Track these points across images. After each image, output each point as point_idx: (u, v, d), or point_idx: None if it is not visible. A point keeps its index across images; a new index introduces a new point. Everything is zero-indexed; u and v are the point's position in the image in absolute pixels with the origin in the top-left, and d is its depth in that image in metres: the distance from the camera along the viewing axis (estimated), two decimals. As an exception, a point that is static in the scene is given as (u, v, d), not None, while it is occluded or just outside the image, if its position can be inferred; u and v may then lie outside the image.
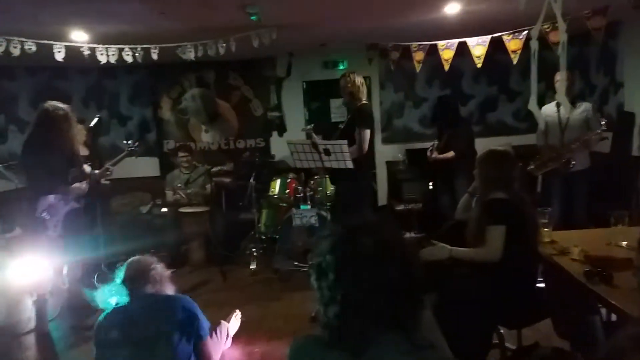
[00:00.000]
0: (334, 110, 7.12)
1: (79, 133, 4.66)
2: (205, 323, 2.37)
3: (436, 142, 5.40)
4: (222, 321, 3.05)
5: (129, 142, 4.65)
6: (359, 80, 4.46)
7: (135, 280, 2.25)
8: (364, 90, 4.48)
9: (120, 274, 2.30)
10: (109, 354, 2.16)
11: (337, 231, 1.23)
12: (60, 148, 3.86)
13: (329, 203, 5.15)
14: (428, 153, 5.33)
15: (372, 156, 6.35)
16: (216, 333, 2.86)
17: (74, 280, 4.45)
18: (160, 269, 2.37)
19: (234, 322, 3.34)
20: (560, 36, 3.35)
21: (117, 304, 2.26)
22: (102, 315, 2.25)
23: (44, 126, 3.81)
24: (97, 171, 4.21)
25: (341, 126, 4.63)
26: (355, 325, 1.14)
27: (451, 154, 5.22)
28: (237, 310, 3.45)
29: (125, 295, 2.26)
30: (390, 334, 1.14)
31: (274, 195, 5.54)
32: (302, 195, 5.33)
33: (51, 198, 3.80)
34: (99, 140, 6.58)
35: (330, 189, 5.15)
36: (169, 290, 2.39)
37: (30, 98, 6.44)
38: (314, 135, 4.39)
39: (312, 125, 4.70)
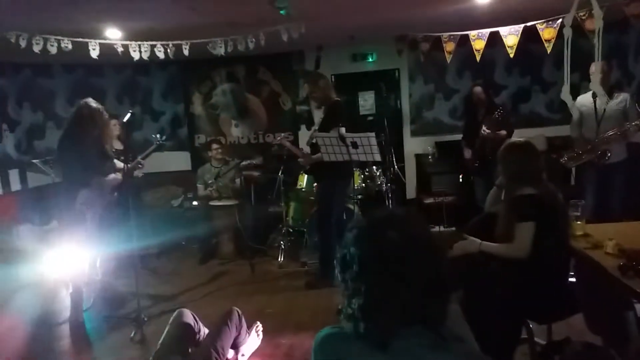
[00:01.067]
0: (363, 103, 7.09)
1: (113, 129, 4.80)
2: None
3: (484, 127, 5.19)
4: (233, 307, 3.10)
5: (158, 135, 4.74)
6: (322, 82, 4.60)
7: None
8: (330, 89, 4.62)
9: None
10: None
11: (362, 223, 1.22)
12: (95, 143, 3.98)
13: (359, 196, 5.14)
14: (482, 132, 5.08)
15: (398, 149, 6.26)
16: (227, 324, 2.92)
17: (107, 272, 4.60)
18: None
19: (254, 336, 3.33)
20: (596, 23, 3.25)
21: None
22: None
23: (79, 123, 3.93)
24: (129, 165, 4.32)
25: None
26: (379, 318, 1.13)
27: (504, 133, 5.06)
28: (259, 323, 3.45)
29: None
30: (415, 327, 1.13)
31: (302, 188, 5.56)
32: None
33: (89, 191, 3.92)
34: (133, 135, 6.74)
35: (358, 181, 5.13)
36: None
37: (67, 95, 6.64)
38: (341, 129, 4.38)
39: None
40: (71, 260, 4.05)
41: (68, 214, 3.95)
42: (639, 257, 2.21)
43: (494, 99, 5.76)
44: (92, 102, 4.01)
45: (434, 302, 1.16)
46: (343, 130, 4.30)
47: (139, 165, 4.44)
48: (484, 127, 5.00)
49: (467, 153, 5.31)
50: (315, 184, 5.20)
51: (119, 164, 4.25)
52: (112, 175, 4.13)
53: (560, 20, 4.13)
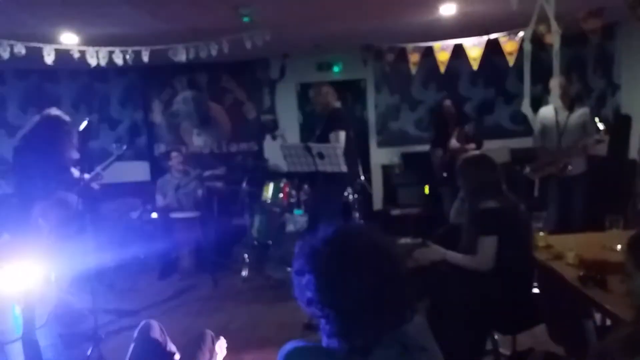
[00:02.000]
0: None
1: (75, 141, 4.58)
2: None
3: (453, 139, 5.21)
4: (207, 330, 2.93)
5: (118, 144, 4.56)
6: (324, 90, 4.64)
7: None
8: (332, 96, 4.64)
9: None
10: None
11: (314, 242, 1.22)
12: (58, 154, 3.82)
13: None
14: (451, 145, 5.12)
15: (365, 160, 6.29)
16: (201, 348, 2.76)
17: (62, 288, 4.38)
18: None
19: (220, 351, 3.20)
20: (553, 39, 3.31)
21: None
22: None
23: (46, 131, 3.77)
24: (87, 175, 4.16)
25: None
26: (343, 330, 1.15)
27: (472, 145, 5.10)
28: (222, 338, 3.31)
29: None
30: (384, 339, 1.14)
31: (267, 200, 5.46)
32: (296, 200, 5.26)
33: (47, 203, 3.75)
34: (89, 144, 6.50)
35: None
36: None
37: (20, 102, 6.40)
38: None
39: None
40: (23, 276, 3.84)
41: (22, 226, 3.77)
42: (598, 267, 2.25)
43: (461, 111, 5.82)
44: (58, 112, 3.87)
45: (396, 312, 1.18)
46: (342, 135, 4.36)
47: (99, 177, 4.26)
48: (453, 140, 5.05)
49: (437, 157, 5.33)
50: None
51: (76, 173, 4.08)
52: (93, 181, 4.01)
53: (521, 33, 4.20)
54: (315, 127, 4.79)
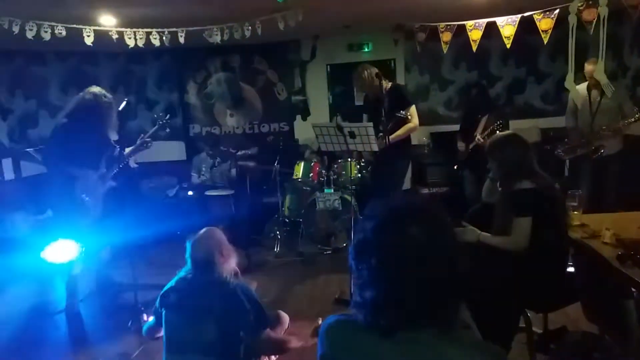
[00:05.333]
0: (359, 94, 7.07)
1: (116, 120, 4.65)
2: (263, 317, 2.34)
3: (478, 135, 5.17)
4: (280, 311, 2.98)
5: (161, 114, 4.64)
6: (371, 72, 4.62)
7: (203, 259, 2.29)
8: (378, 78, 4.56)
9: (189, 247, 2.33)
10: (168, 316, 2.27)
11: (385, 212, 1.16)
12: (100, 132, 3.92)
13: (352, 186, 5.15)
14: (477, 139, 5.09)
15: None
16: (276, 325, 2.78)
17: (103, 262, 4.58)
18: (227, 246, 2.41)
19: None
20: (601, 10, 3.24)
21: (185, 275, 2.31)
22: (173, 280, 2.33)
23: (88, 108, 3.85)
24: (127, 149, 4.25)
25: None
26: (392, 311, 1.11)
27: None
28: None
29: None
30: (428, 321, 1.11)
31: (298, 179, 5.55)
32: (325, 178, 5.33)
33: (91, 180, 3.87)
34: (127, 124, 6.68)
35: (354, 172, 5.14)
36: (233, 262, 2.42)
37: (61, 83, 6.56)
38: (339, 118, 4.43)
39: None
40: (66, 250, 4.02)
41: (67, 202, 3.90)
42: (636, 246, 2.24)
43: (490, 90, 5.79)
44: (102, 91, 3.94)
45: (451, 302, 1.14)
46: (414, 109, 4.53)
47: (148, 142, 4.32)
48: (478, 136, 5.01)
49: (461, 146, 5.33)
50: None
51: (126, 150, 4.22)
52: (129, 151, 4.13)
53: (557, 10, 4.13)
54: (352, 108, 4.79)
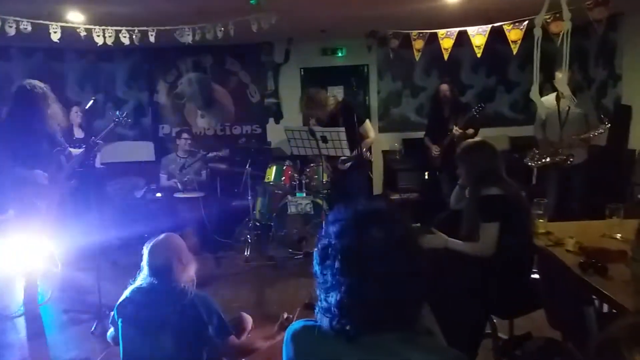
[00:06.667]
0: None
1: (59, 112, 4.39)
2: (224, 327, 2.27)
3: (454, 126, 5.25)
4: (242, 313, 2.92)
5: (117, 112, 4.38)
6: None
7: (161, 266, 2.21)
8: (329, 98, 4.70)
9: (146, 253, 2.26)
10: (124, 329, 2.19)
11: (347, 216, 1.18)
12: (39, 129, 3.69)
13: (325, 191, 5.14)
14: (454, 132, 5.15)
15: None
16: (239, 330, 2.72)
17: (67, 264, 4.44)
18: (186, 253, 2.33)
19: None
20: (565, 24, 3.32)
21: (141, 284, 2.22)
22: (130, 289, 2.24)
23: (22, 104, 3.64)
24: (74, 150, 4.01)
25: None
26: (356, 314, 1.12)
27: (471, 131, 5.13)
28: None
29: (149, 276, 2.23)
30: (391, 322, 1.12)
31: (270, 182, 5.51)
32: (297, 182, 5.31)
33: (41, 182, 3.70)
34: (95, 123, 6.52)
35: (326, 176, 5.13)
36: (192, 271, 2.35)
37: (25, 79, 6.35)
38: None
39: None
40: (26, 252, 3.88)
41: (19, 204, 3.76)
42: (597, 254, 2.30)
43: (460, 97, 5.86)
44: (35, 82, 3.71)
45: (413, 302, 1.16)
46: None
47: (97, 143, 4.10)
48: (455, 127, 5.08)
49: (435, 150, 5.38)
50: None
51: (75, 151, 4.02)
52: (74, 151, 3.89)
53: (526, 22, 4.22)
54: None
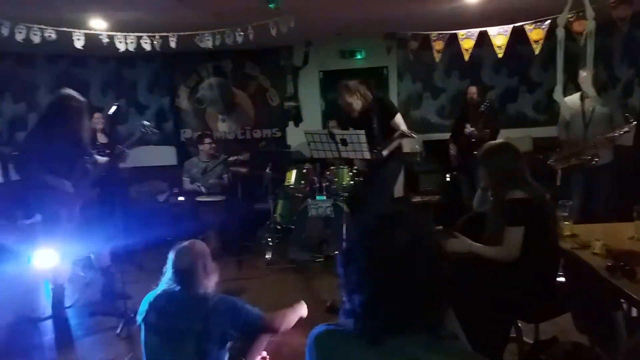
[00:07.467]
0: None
1: (93, 123, 4.45)
2: (252, 317, 2.30)
3: (468, 125, 5.22)
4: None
5: (145, 122, 4.46)
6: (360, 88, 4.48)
7: (185, 271, 2.24)
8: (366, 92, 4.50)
9: (171, 257, 2.28)
10: (147, 336, 2.21)
11: (371, 219, 1.21)
12: (72, 138, 3.76)
13: (345, 194, 5.13)
14: (466, 130, 5.14)
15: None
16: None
17: (93, 269, 4.51)
18: (210, 262, 2.36)
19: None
20: (588, 24, 3.26)
21: (164, 289, 2.25)
22: (152, 294, 2.26)
23: (57, 115, 3.71)
24: (100, 158, 4.09)
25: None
26: (381, 315, 1.13)
27: (488, 132, 5.08)
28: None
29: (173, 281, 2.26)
30: (414, 325, 1.13)
31: (290, 185, 5.53)
32: (317, 185, 5.31)
33: (67, 189, 3.76)
34: (118, 128, 6.64)
35: (347, 179, 5.12)
36: (214, 280, 2.38)
37: (50, 86, 6.51)
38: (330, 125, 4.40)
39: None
40: (53, 256, 3.96)
41: (45, 211, 3.83)
42: (626, 257, 2.24)
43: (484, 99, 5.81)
44: (73, 93, 3.78)
45: (436, 305, 1.16)
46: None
47: (123, 151, 4.17)
48: (467, 126, 5.06)
49: (453, 149, 5.35)
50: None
51: (101, 159, 4.10)
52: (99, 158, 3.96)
53: (548, 21, 4.16)
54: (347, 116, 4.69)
